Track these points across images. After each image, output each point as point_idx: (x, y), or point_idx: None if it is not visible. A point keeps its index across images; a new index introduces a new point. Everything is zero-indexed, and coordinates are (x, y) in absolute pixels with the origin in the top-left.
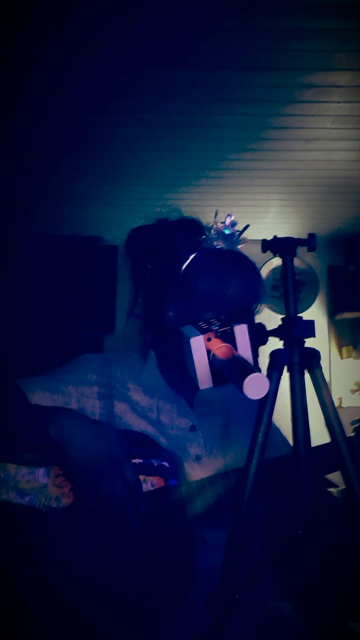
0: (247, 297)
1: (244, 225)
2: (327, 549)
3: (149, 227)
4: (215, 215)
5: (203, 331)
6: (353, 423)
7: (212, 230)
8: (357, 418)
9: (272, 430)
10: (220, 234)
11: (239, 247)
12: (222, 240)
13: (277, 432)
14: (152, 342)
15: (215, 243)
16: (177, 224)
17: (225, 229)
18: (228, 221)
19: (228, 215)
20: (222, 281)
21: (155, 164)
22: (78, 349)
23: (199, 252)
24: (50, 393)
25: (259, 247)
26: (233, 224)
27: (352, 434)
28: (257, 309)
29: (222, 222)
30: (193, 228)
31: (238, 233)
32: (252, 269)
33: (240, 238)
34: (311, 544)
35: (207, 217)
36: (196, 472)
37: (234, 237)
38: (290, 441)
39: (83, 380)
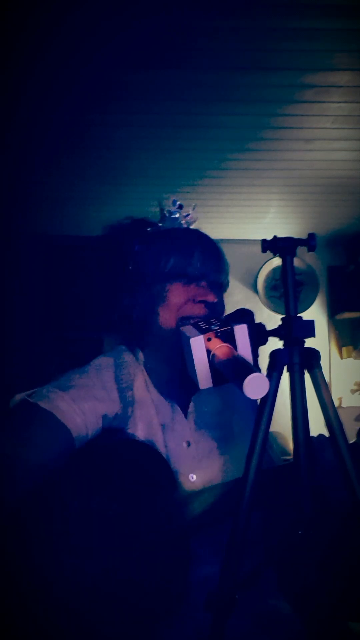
0: (186, 264)
1: (193, 206)
2: (327, 549)
3: (104, 237)
4: (173, 204)
5: (203, 331)
6: (358, 419)
7: (166, 214)
8: None
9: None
10: (166, 218)
11: (191, 226)
12: (168, 222)
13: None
14: (140, 343)
15: (161, 226)
16: (128, 226)
17: (167, 211)
18: (174, 206)
19: (174, 200)
20: (162, 255)
21: (155, 164)
22: (77, 349)
23: (138, 239)
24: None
25: (259, 247)
26: (180, 206)
27: (355, 439)
28: (224, 281)
29: (170, 208)
30: (141, 224)
31: (182, 213)
32: (194, 240)
33: (184, 217)
34: (311, 544)
35: (207, 217)
36: (189, 487)
37: (178, 217)
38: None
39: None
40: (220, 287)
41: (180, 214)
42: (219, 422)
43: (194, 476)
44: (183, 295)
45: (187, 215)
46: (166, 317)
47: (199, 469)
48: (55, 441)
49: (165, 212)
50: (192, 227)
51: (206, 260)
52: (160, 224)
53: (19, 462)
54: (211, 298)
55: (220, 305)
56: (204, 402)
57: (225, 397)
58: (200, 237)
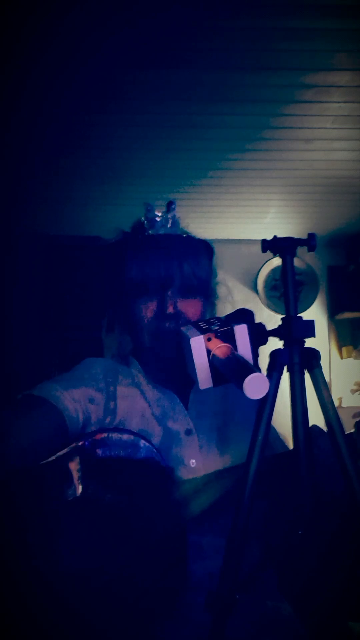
0: (143, 275)
1: (169, 204)
2: (327, 549)
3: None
4: (147, 209)
5: (203, 331)
6: (355, 416)
7: (144, 222)
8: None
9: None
10: (150, 221)
11: (179, 229)
12: (153, 227)
13: (273, 430)
14: (130, 344)
15: (150, 232)
16: (129, 231)
17: (150, 215)
18: (159, 211)
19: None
20: (150, 265)
21: (155, 164)
22: (77, 349)
23: (125, 245)
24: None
25: (259, 247)
26: (171, 205)
27: (352, 430)
28: (214, 286)
29: (155, 213)
30: (137, 228)
31: (165, 216)
32: (178, 246)
33: (166, 218)
34: (311, 544)
35: (207, 217)
36: (190, 472)
37: (160, 221)
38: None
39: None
40: (198, 291)
41: (161, 216)
42: (221, 410)
43: (194, 461)
44: (149, 312)
45: (168, 214)
46: (141, 334)
47: (199, 455)
48: (47, 420)
49: (146, 219)
50: (181, 223)
51: (168, 264)
52: (150, 231)
53: (7, 437)
54: (184, 308)
55: (206, 312)
56: (206, 391)
57: (228, 385)
58: (161, 239)
